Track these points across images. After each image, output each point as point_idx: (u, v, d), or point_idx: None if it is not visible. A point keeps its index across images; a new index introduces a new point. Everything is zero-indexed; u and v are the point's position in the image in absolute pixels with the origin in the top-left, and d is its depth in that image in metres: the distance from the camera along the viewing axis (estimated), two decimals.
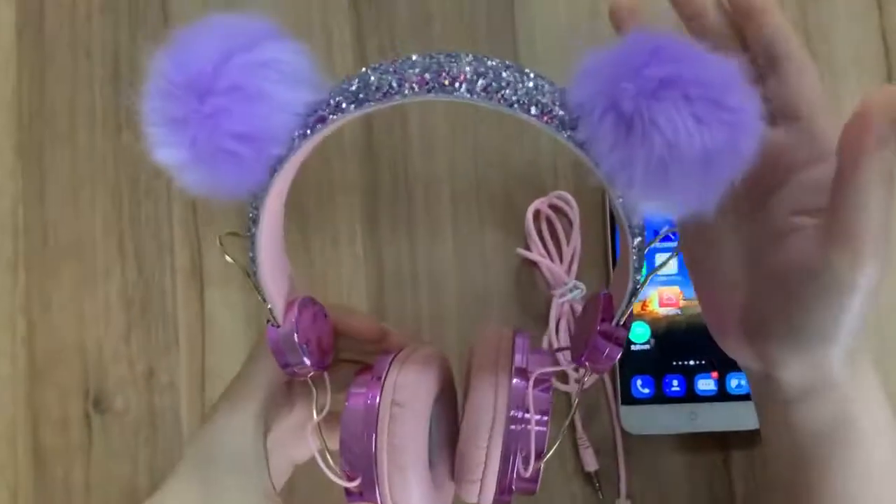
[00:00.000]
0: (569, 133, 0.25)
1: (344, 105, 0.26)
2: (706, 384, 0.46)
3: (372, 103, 0.26)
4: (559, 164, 0.48)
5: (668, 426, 0.46)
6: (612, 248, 0.47)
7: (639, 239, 0.28)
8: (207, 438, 0.36)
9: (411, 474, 0.33)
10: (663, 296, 0.46)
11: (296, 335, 0.32)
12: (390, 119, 0.49)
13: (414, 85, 0.25)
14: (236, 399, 0.36)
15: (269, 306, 0.32)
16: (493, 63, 0.26)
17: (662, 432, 0.46)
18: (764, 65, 0.31)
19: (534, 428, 0.32)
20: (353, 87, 0.27)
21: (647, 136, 0.24)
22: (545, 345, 0.46)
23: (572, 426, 0.47)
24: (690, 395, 0.46)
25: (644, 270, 0.29)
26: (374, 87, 0.26)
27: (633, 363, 0.46)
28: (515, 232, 0.48)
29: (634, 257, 0.28)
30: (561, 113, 0.25)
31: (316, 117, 0.27)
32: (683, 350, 0.46)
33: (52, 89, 0.51)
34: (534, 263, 0.47)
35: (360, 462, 0.33)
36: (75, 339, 0.50)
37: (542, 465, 0.33)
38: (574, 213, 0.47)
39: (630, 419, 0.46)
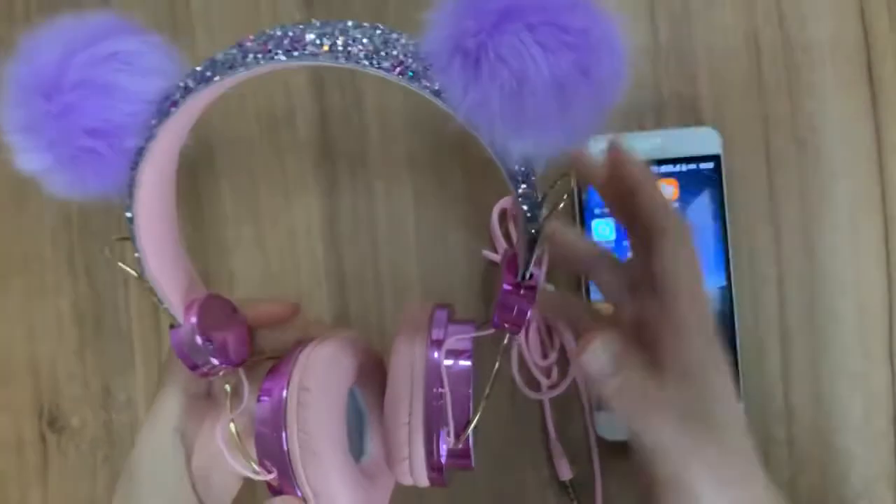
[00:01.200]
0: (424, 83, 0.24)
1: (192, 84, 0.26)
2: None
3: (218, 77, 0.25)
4: None
5: None
6: None
7: (523, 186, 0.26)
8: (132, 457, 0.35)
9: (327, 459, 0.32)
10: None
11: (197, 335, 0.31)
12: (347, 113, 0.47)
13: (258, 54, 0.25)
14: (155, 413, 0.35)
15: (164, 306, 0.31)
16: (344, 25, 0.25)
17: None
18: (643, 236, 0.32)
19: (448, 402, 0.32)
20: (201, 68, 0.26)
21: (496, 72, 0.23)
22: (514, 349, 0.45)
23: (545, 433, 0.45)
24: None
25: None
26: (220, 63, 0.26)
27: None
28: (481, 230, 0.46)
29: (524, 207, 0.27)
30: (413, 64, 0.24)
31: (169, 102, 0.26)
32: None
33: None
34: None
35: (274, 453, 0.32)
36: (26, 357, 0.48)
37: (471, 437, 0.33)
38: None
39: (605, 425, 0.44)
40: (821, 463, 0.44)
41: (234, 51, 0.26)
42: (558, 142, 0.25)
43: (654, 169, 0.44)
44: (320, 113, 0.47)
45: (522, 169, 0.26)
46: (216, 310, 0.34)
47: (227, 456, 0.33)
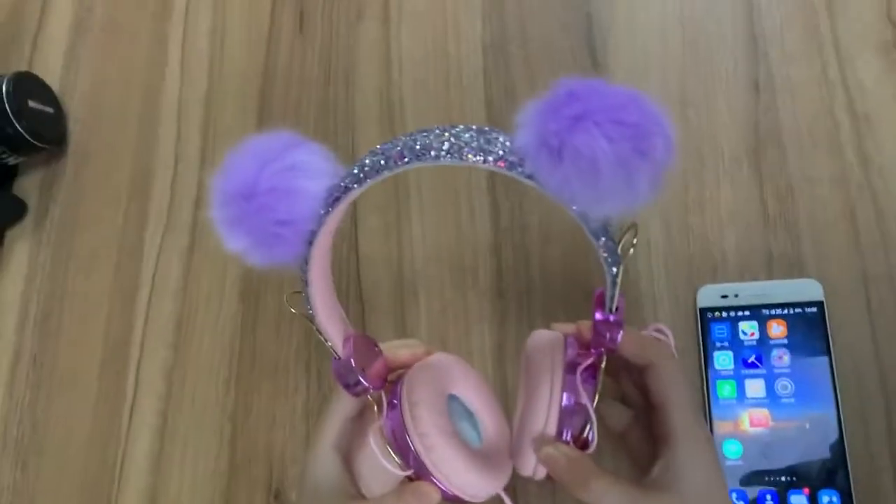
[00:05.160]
0: (518, 170, 0.32)
1: (352, 185, 0.35)
2: (799, 500, 0.50)
3: (370, 180, 0.34)
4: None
5: None
6: (706, 374, 0.54)
7: (603, 239, 0.35)
8: (301, 470, 0.46)
9: (441, 447, 0.43)
10: (753, 417, 0.52)
11: (352, 360, 0.43)
12: (517, 258, 0.61)
13: (396, 160, 0.34)
14: (315, 438, 0.46)
15: (329, 344, 0.43)
16: (457, 129, 0.33)
17: None
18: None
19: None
20: (356, 171, 0.35)
21: (574, 159, 0.31)
22: None
23: None
24: None
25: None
26: (368, 167, 0.34)
27: (727, 477, 0.51)
28: None
29: (605, 254, 0.36)
30: (511, 158, 0.32)
31: (332, 198, 0.36)
32: (775, 466, 0.51)
33: None
34: None
35: (405, 452, 0.43)
36: (265, 442, 0.62)
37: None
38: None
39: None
40: None
41: (379, 157, 0.34)
42: (625, 206, 0.32)
43: (766, 312, 0.54)
44: (496, 252, 0.61)
45: (601, 227, 0.35)
46: (364, 345, 0.45)
47: (378, 454, 0.43)
